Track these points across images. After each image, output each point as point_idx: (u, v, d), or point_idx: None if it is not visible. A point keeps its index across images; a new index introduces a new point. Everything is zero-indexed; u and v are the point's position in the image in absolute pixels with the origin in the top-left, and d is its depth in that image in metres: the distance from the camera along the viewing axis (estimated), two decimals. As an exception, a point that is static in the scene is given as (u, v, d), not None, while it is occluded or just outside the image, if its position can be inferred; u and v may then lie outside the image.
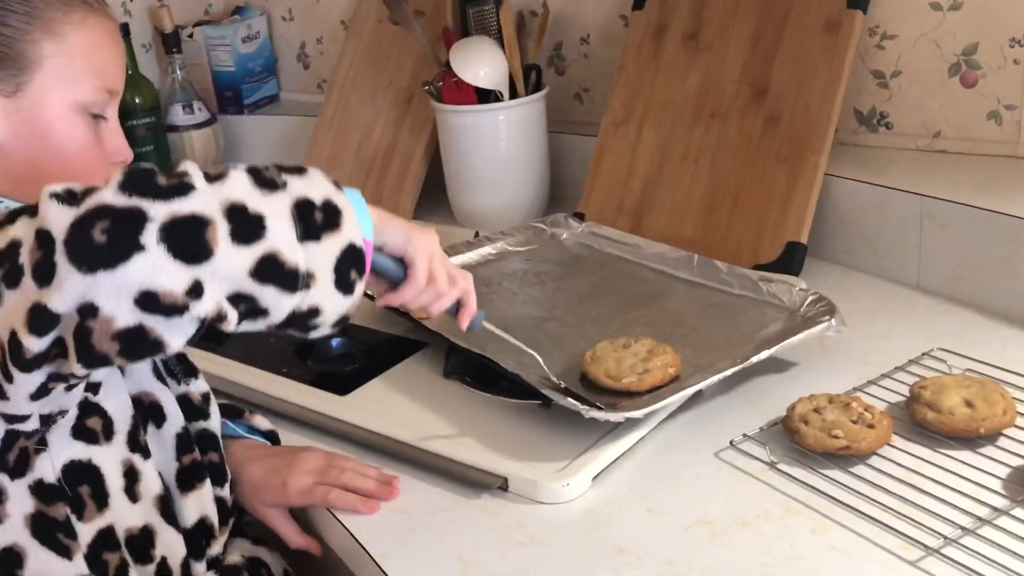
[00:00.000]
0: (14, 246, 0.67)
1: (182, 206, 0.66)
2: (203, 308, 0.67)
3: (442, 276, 0.86)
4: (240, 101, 1.99)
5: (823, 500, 0.88)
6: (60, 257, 0.64)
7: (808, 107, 1.29)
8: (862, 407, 0.94)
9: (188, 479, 0.89)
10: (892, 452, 0.92)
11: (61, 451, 0.81)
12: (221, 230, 0.67)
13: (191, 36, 1.96)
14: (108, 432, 0.84)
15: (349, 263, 0.72)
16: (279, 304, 0.70)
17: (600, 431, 0.97)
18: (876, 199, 1.25)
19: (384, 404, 1.07)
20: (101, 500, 0.83)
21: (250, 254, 0.68)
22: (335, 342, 1.14)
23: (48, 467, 0.81)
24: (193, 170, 0.70)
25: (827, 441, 0.92)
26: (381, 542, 0.88)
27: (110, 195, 0.65)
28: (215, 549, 0.91)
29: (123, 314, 0.65)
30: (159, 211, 0.65)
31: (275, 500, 0.95)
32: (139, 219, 0.65)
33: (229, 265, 0.67)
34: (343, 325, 0.76)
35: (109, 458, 0.84)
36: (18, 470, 0.80)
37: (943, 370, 1.03)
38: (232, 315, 0.69)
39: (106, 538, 0.83)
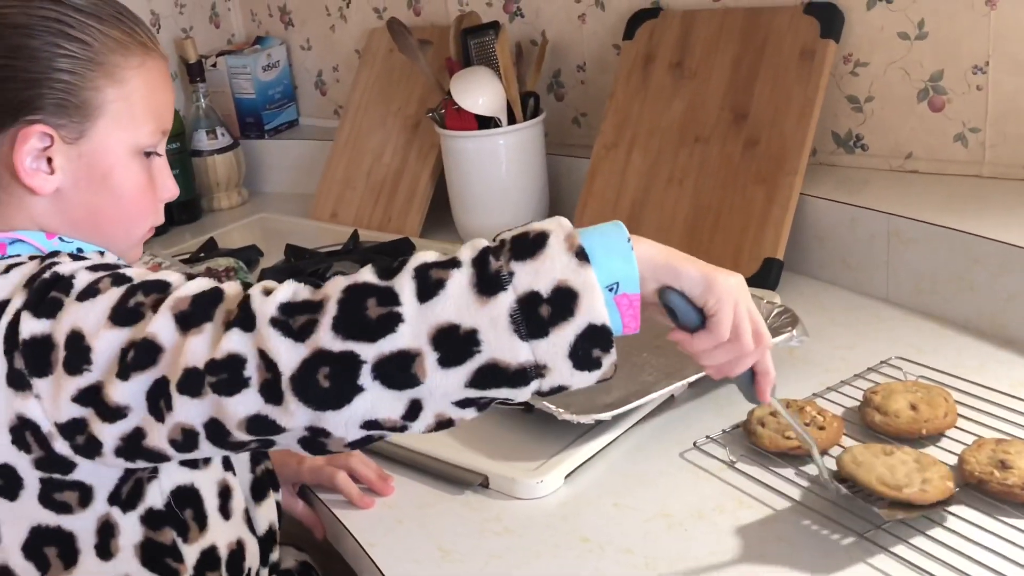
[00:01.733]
0: (237, 360, 0.69)
1: (390, 345, 0.68)
2: (424, 423, 0.71)
3: (746, 332, 0.77)
4: (261, 126, 2.10)
5: (773, 495, 0.95)
6: (287, 389, 0.68)
7: (784, 131, 1.37)
8: (815, 410, 1.02)
9: (261, 488, 0.94)
10: (839, 452, 0.99)
11: (169, 477, 0.83)
12: (429, 360, 0.68)
13: (214, 65, 2.07)
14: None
15: (589, 344, 0.70)
16: (514, 395, 0.71)
17: (575, 433, 1.05)
18: (847, 217, 1.33)
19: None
20: (202, 521, 0.85)
21: (463, 371, 0.69)
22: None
23: (157, 495, 0.83)
24: (405, 279, 0.69)
25: (780, 441, 0.99)
26: (370, 532, 0.97)
27: (327, 337, 0.68)
28: (276, 554, 0.97)
29: (352, 434, 0.71)
30: (370, 354, 0.68)
31: (290, 477, 1.04)
32: (354, 364, 0.68)
33: (443, 385, 0.69)
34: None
35: (208, 480, 0.87)
36: (130, 502, 0.81)
37: (898, 377, 1.10)
38: (467, 414, 0.72)
39: (208, 557, 0.86)
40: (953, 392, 1.04)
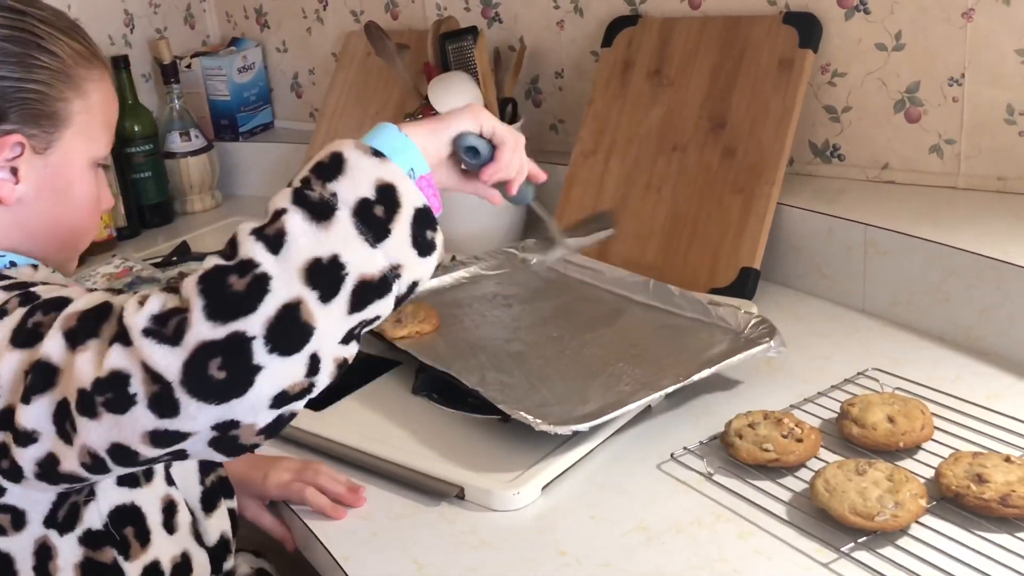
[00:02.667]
0: (120, 377, 0.67)
1: (272, 305, 0.67)
2: (326, 373, 0.71)
3: (520, 144, 0.89)
4: (236, 128, 2.07)
5: (751, 508, 0.95)
6: (182, 395, 0.66)
7: (762, 140, 1.37)
8: (793, 422, 1.02)
9: (211, 499, 0.93)
10: (818, 464, 0.99)
11: (107, 498, 0.83)
12: (311, 302, 0.68)
13: (189, 67, 2.05)
14: (148, 473, 0.86)
15: (422, 227, 0.73)
16: (385, 307, 0.73)
17: (552, 443, 1.04)
18: (824, 227, 1.33)
19: (356, 419, 1.14)
20: (144, 537, 0.85)
21: (343, 300, 0.69)
22: (311, 360, 1.21)
23: (96, 516, 0.82)
24: (249, 244, 0.69)
25: (758, 454, 0.99)
26: (343, 544, 0.96)
27: (204, 329, 0.66)
28: (230, 563, 0.96)
29: (263, 418, 0.69)
30: (256, 324, 0.67)
31: (255, 492, 1.03)
32: (244, 343, 0.67)
33: (331, 324, 0.69)
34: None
35: (149, 497, 0.86)
36: (68, 525, 0.81)
37: (875, 388, 1.10)
38: (353, 348, 0.73)
39: (151, 572, 0.85)
40: (929, 404, 1.05)
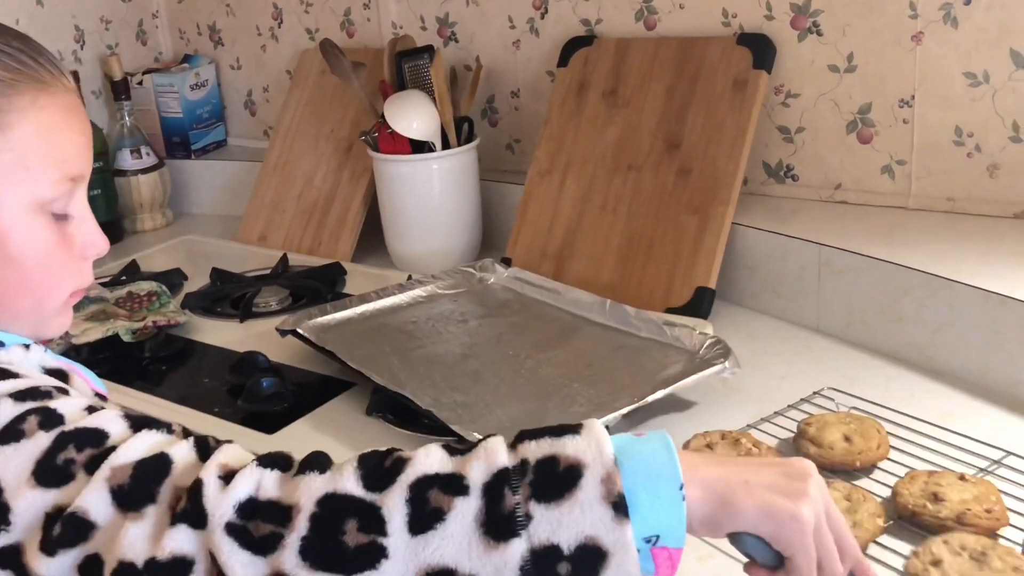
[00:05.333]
0: (182, 564, 0.58)
1: None
2: None
3: (834, 560, 0.64)
4: (188, 146, 2.05)
5: (708, 529, 0.94)
6: None
7: (717, 160, 1.38)
8: (751, 443, 1.02)
9: None
10: (775, 484, 0.99)
11: None
12: None
13: (140, 83, 2.02)
14: None
15: None
16: None
17: (508, 466, 1.03)
18: (779, 247, 1.34)
19: (308, 441, 1.12)
20: None
21: None
22: (266, 382, 1.19)
23: None
24: (397, 508, 0.57)
25: (715, 474, 0.99)
26: None
27: (291, 562, 0.57)
28: None
29: None
30: None
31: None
32: None
33: None
34: None
35: None
36: None
37: (831, 408, 1.11)
38: None
39: None
40: (885, 423, 1.05)
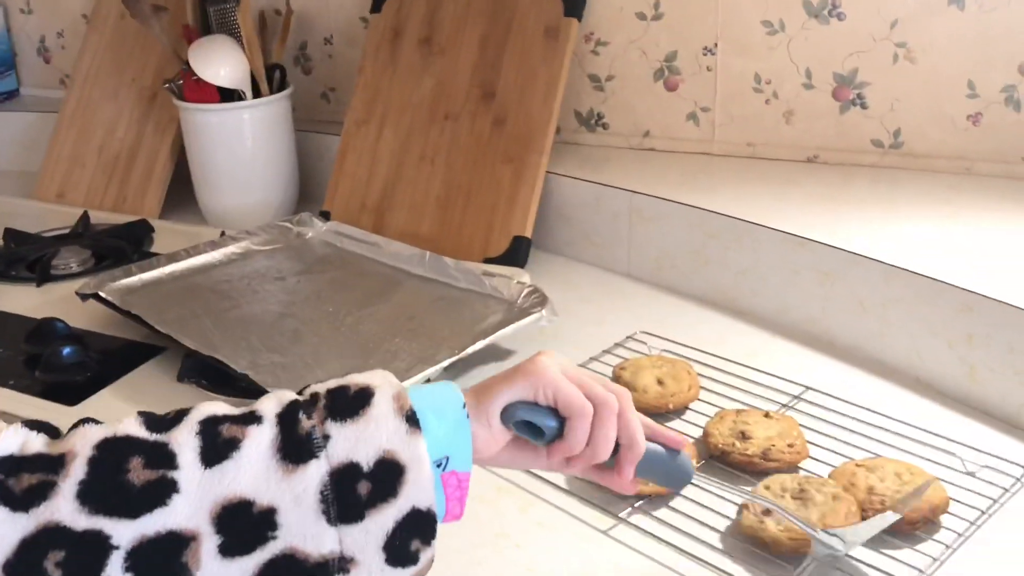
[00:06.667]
0: None
1: (157, 524, 0.53)
2: None
3: (597, 387, 0.67)
4: (-26, 97, 1.91)
5: (532, 479, 0.96)
6: None
7: (531, 109, 1.38)
8: (568, 390, 1.04)
9: None
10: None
11: None
12: (206, 546, 0.54)
13: (-85, 29, 1.86)
14: None
15: (410, 533, 0.58)
16: None
17: (330, 425, 1.02)
18: (592, 195, 1.36)
19: (115, 412, 1.06)
20: None
21: (250, 563, 0.55)
22: (66, 351, 1.13)
23: None
24: (187, 441, 0.55)
25: (534, 423, 1.01)
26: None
27: (66, 508, 0.52)
28: None
29: None
30: (125, 535, 0.53)
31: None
32: (101, 549, 0.52)
33: None
34: None
35: None
36: None
37: (643, 351, 1.15)
38: None
39: None
40: (695, 365, 1.09)
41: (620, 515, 0.90)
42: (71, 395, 1.10)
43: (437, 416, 0.61)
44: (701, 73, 1.38)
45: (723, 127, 1.39)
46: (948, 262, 1.07)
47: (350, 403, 0.59)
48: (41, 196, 1.72)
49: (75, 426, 0.58)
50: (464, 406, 0.63)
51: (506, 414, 0.65)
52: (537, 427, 0.66)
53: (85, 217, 1.58)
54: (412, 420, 0.59)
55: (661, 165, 1.40)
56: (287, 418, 0.58)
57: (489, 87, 1.42)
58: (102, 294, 1.23)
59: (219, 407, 0.60)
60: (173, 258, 1.34)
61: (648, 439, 0.70)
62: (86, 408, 1.08)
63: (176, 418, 0.58)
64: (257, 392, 1.03)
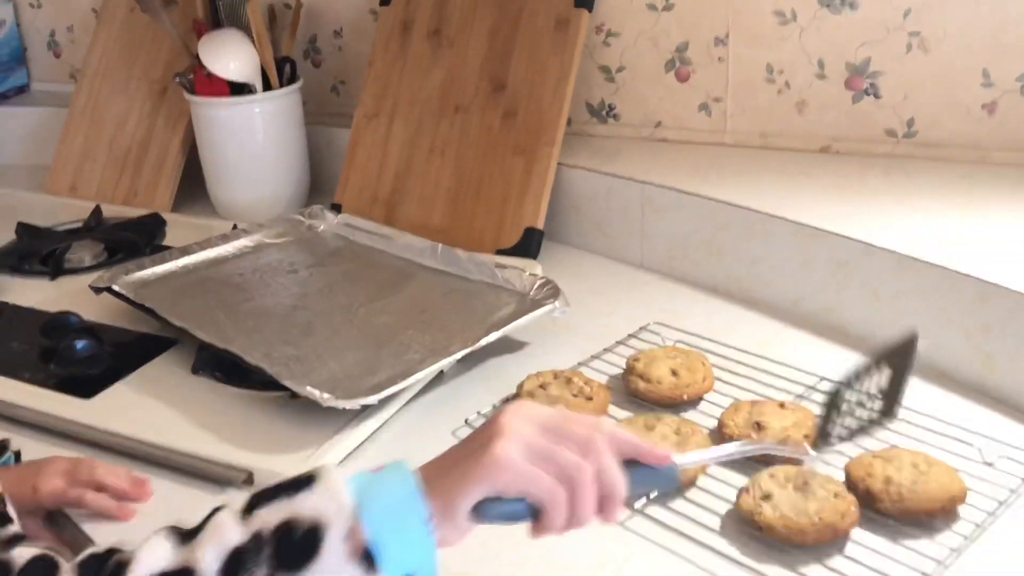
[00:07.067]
0: None
1: None
2: None
3: (564, 455, 0.62)
4: (-15, 92, 1.91)
5: (543, 469, 0.96)
6: None
7: (541, 101, 1.38)
8: (582, 381, 1.04)
9: None
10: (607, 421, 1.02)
11: None
12: None
13: (-74, 24, 1.86)
14: None
15: None
16: None
17: (344, 418, 1.02)
18: (604, 186, 1.36)
19: (131, 405, 1.08)
20: None
21: None
22: (80, 344, 1.14)
23: None
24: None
25: (548, 415, 1.00)
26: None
27: None
28: None
29: None
30: None
31: (30, 509, 0.91)
32: None
33: None
34: None
35: None
36: None
37: (657, 342, 1.14)
38: None
39: None
40: (709, 355, 1.09)
41: (636, 507, 0.90)
42: (86, 388, 1.10)
43: (397, 537, 0.57)
44: (712, 63, 1.37)
45: (735, 118, 1.39)
46: (963, 252, 1.07)
47: (299, 548, 0.56)
48: (53, 190, 1.72)
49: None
50: (427, 520, 0.58)
51: (476, 511, 0.62)
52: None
53: (97, 211, 1.58)
54: (368, 559, 0.56)
55: (673, 156, 1.39)
56: (235, 561, 0.55)
57: (499, 79, 1.42)
58: (116, 287, 1.23)
59: (158, 559, 0.57)
60: (185, 251, 1.34)
61: (631, 460, 0.66)
62: (102, 400, 1.09)
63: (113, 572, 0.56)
64: (272, 384, 1.04)
